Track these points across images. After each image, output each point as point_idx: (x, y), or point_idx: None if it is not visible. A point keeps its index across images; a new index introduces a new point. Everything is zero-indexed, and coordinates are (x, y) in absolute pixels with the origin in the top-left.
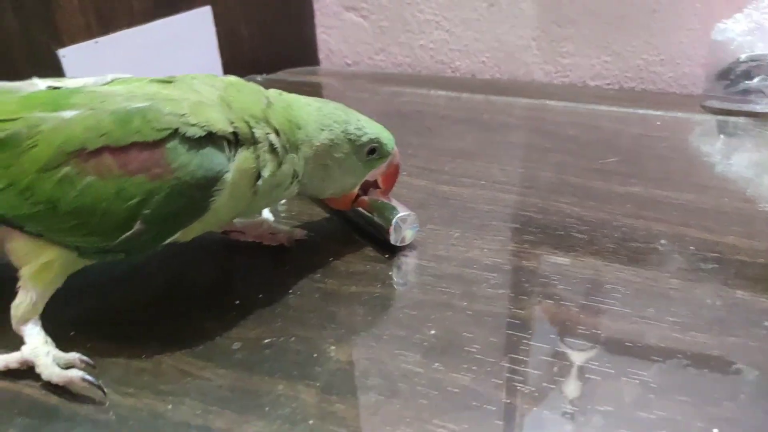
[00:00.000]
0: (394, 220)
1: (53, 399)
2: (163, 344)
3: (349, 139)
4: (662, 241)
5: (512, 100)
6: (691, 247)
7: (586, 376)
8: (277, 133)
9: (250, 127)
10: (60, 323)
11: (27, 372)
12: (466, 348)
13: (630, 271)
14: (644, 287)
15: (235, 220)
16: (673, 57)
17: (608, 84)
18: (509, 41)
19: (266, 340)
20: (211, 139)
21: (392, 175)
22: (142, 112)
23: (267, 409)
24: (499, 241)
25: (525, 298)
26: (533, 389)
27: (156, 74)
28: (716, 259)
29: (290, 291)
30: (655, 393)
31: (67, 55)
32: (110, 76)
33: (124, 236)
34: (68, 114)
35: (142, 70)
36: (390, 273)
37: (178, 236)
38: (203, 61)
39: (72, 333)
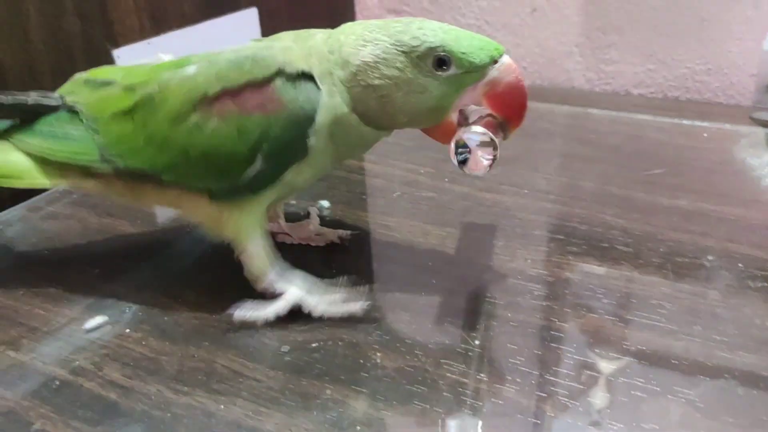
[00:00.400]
0: (459, 135)
1: (112, 394)
2: (216, 344)
3: (403, 51)
4: (709, 257)
5: (554, 107)
6: (740, 264)
7: (631, 392)
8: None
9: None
10: (116, 321)
11: (85, 369)
12: (510, 359)
13: (676, 287)
14: (691, 304)
15: (282, 223)
16: (721, 66)
17: (652, 92)
18: (551, 47)
19: (314, 344)
20: (305, 76)
21: (501, 96)
22: (250, 57)
23: (315, 412)
24: (542, 251)
25: (569, 310)
26: (577, 404)
27: None
28: (766, 277)
29: None
30: (701, 413)
31: (121, 55)
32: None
33: (247, 173)
34: (190, 69)
35: None
36: (434, 281)
37: (291, 177)
38: None
39: (127, 330)
